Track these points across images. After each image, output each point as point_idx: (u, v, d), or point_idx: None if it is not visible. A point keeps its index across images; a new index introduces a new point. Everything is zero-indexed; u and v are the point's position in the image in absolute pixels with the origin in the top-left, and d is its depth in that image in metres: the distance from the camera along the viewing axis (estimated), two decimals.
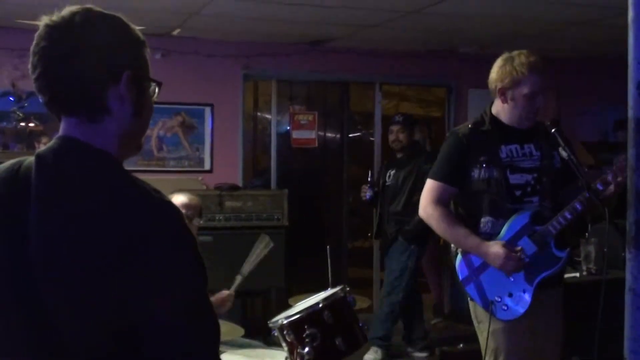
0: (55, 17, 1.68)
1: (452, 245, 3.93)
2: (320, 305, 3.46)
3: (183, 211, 4.32)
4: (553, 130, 3.69)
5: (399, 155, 6.93)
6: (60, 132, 1.71)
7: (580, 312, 4.68)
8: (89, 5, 1.71)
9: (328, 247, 5.18)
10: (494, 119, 3.85)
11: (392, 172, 6.82)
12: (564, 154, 3.66)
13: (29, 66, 1.69)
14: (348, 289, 3.70)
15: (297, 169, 9.25)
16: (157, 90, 1.82)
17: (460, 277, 3.84)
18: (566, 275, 4.90)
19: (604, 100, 8.77)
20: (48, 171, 1.63)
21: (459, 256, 3.85)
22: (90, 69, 1.66)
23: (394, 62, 8.39)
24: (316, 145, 8.75)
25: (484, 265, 3.74)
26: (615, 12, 5.84)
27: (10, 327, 1.65)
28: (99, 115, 1.68)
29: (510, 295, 3.70)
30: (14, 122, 7.12)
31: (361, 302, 4.31)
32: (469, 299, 3.86)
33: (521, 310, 3.69)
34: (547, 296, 3.77)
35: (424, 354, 6.76)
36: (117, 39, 1.71)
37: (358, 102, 9.56)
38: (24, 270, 1.60)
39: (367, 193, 6.92)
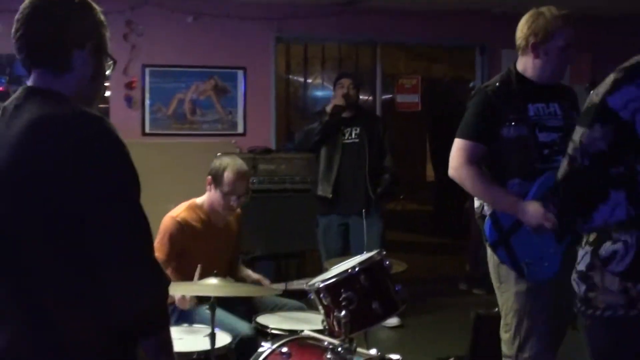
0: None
1: (476, 206, 3.91)
2: (357, 269, 3.46)
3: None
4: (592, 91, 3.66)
5: (348, 114, 6.60)
6: (28, 82, 2.10)
7: None
8: None
9: (364, 210, 5.19)
10: (521, 77, 3.83)
11: (351, 130, 6.59)
12: None
13: (12, 30, 2.08)
14: (384, 252, 3.70)
15: None
16: (112, 67, 2.22)
17: (489, 241, 3.80)
18: None
19: None
20: (7, 117, 2.02)
21: (488, 219, 3.80)
22: (60, 34, 2.06)
23: (426, 23, 8.31)
24: (419, 108, 8.82)
25: (514, 228, 3.72)
26: None
27: None
28: (62, 70, 2.08)
29: (541, 257, 3.70)
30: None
31: (397, 266, 4.31)
32: (494, 261, 3.84)
33: (553, 271, 3.69)
34: (568, 253, 3.71)
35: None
36: (86, 16, 2.12)
37: (389, 64, 9.51)
38: None
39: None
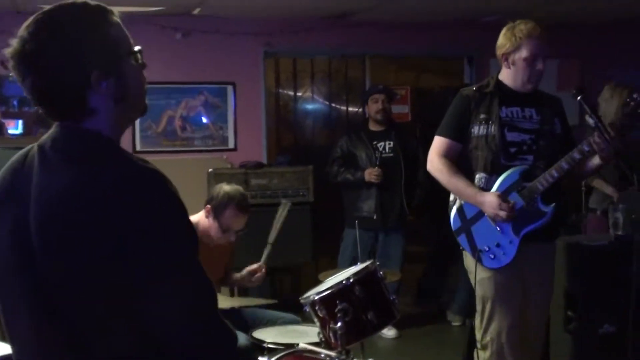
0: (22, 30, 1.74)
1: (451, 200, 4.21)
2: (351, 280, 3.47)
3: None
4: (579, 97, 3.79)
5: (380, 128, 6.75)
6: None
7: (610, 279, 4.68)
8: (37, 17, 1.75)
9: (357, 221, 5.21)
10: (499, 83, 4.14)
11: (384, 145, 6.68)
12: (590, 120, 3.87)
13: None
14: (378, 263, 3.72)
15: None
16: (140, 57, 1.86)
17: (453, 228, 4.15)
18: (595, 243, 4.90)
19: (627, 65, 8.68)
20: (47, 161, 1.77)
21: (454, 209, 4.14)
22: (59, 89, 1.75)
23: (414, 34, 8.34)
24: (409, 119, 8.82)
25: (476, 217, 4.06)
26: None
27: (13, 293, 1.81)
28: (85, 116, 1.77)
29: (498, 245, 4.01)
30: (35, 107, 7.13)
31: (391, 276, 4.33)
32: (461, 249, 4.16)
33: (507, 259, 4.00)
34: (536, 250, 4.06)
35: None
36: (80, 48, 1.75)
37: (378, 76, 9.53)
38: (26, 247, 1.74)
39: (380, 176, 6.55)
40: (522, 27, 4.02)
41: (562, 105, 4.20)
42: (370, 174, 6.50)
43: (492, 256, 4.00)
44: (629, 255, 4.30)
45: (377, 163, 6.55)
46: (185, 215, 1.76)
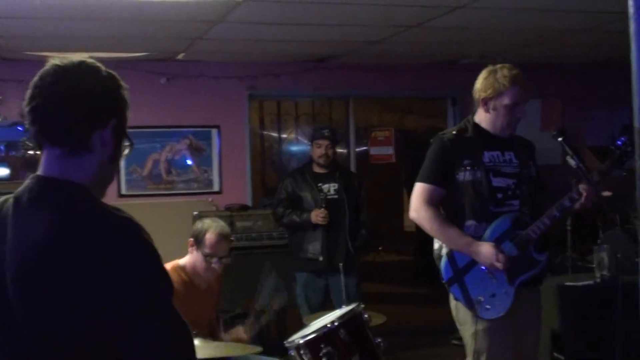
0: (66, 60, 1.87)
1: (435, 248, 4.10)
2: (336, 324, 3.46)
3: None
4: (560, 139, 3.79)
5: (324, 170, 6.63)
6: (40, 166, 1.87)
7: (596, 319, 4.68)
8: (95, 61, 1.91)
9: (341, 264, 5.20)
10: (477, 127, 4.05)
11: (329, 187, 6.67)
12: (572, 162, 3.81)
13: (27, 96, 1.85)
14: (363, 306, 3.71)
15: None
16: (129, 149, 1.99)
17: (445, 278, 3.98)
18: (580, 283, 4.92)
19: (609, 105, 8.77)
20: (22, 212, 1.79)
21: (444, 258, 3.99)
22: (82, 110, 1.84)
23: (397, 76, 8.40)
24: (393, 160, 8.85)
25: (468, 267, 3.91)
26: (613, 18, 5.86)
27: None
28: (80, 151, 1.84)
29: (493, 295, 3.87)
30: (22, 151, 7.17)
31: (376, 319, 4.31)
32: (451, 300, 4.02)
33: (503, 310, 3.86)
34: (525, 297, 3.94)
35: None
36: (111, 92, 1.91)
37: (362, 117, 9.59)
38: (2, 300, 1.74)
39: (326, 218, 6.39)
40: (505, 72, 3.92)
41: (534, 150, 4.15)
42: (317, 216, 6.46)
43: (488, 307, 3.86)
44: (614, 295, 4.31)
45: (323, 205, 6.51)
46: (160, 262, 1.80)
